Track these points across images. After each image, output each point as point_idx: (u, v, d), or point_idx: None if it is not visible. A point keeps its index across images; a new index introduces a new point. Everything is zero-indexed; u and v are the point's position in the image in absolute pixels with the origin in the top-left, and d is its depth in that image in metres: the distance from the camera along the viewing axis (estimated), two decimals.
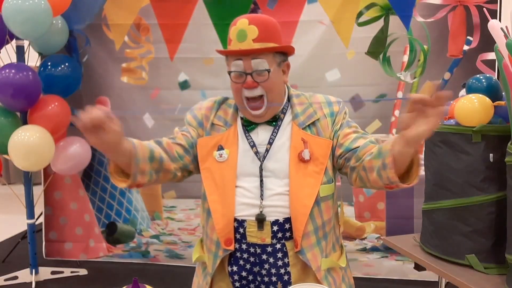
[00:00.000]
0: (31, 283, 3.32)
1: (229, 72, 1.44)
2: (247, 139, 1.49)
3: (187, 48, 3.36)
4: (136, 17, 3.38)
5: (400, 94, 3.20)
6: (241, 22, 1.42)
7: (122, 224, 3.64)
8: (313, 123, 1.48)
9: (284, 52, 1.48)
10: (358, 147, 1.42)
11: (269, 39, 1.42)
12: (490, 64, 2.92)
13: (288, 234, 1.45)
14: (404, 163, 1.27)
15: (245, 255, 1.46)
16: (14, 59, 3.24)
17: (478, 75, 1.93)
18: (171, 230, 3.59)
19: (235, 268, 1.47)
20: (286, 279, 1.46)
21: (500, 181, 1.74)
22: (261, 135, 1.49)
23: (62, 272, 3.48)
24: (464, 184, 1.80)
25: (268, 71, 1.42)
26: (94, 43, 3.46)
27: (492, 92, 1.83)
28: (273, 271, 1.45)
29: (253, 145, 1.48)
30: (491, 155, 1.75)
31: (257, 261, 1.46)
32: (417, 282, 2.93)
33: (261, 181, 1.45)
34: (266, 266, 1.46)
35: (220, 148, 1.49)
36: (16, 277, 3.36)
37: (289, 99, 1.53)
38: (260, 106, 1.43)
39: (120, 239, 3.66)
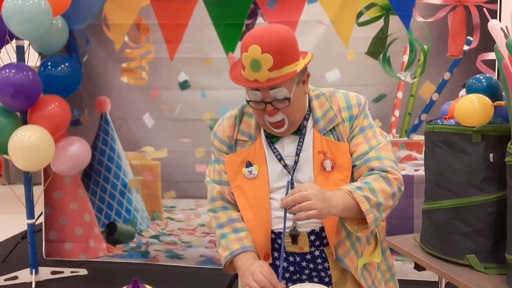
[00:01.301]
0: (31, 283, 3.32)
1: (248, 101, 1.38)
2: (274, 152, 1.45)
3: (187, 48, 3.36)
4: (136, 17, 3.38)
5: (400, 94, 3.20)
6: (254, 50, 1.28)
7: (122, 224, 3.64)
8: (333, 128, 1.43)
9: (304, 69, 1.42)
10: (356, 165, 1.41)
11: (285, 63, 1.30)
12: (490, 64, 2.91)
13: (325, 241, 1.44)
14: (343, 218, 1.36)
15: (284, 264, 1.46)
16: (14, 59, 3.24)
17: (478, 75, 1.93)
18: (171, 230, 3.59)
19: (290, 284, 1.43)
20: (327, 280, 1.46)
21: (500, 181, 1.74)
22: (287, 146, 1.45)
23: (62, 272, 3.48)
24: (464, 184, 1.80)
25: (288, 99, 1.34)
26: (94, 43, 3.46)
27: (492, 92, 1.83)
28: (314, 274, 1.46)
29: (280, 159, 1.44)
30: (491, 155, 1.75)
31: (297, 269, 1.46)
32: (417, 282, 2.93)
33: None
34: (306, 271, 1.46)
35: (249, 164, 1.45)
36: (16, 277, 3.36)
37: (309, 102, 1.46)
38: (282, 125, 1.38)
39: (120, 239, 3.66)
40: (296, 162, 1.43)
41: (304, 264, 1.45)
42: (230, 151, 1.51)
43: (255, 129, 1.48)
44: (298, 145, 1.44)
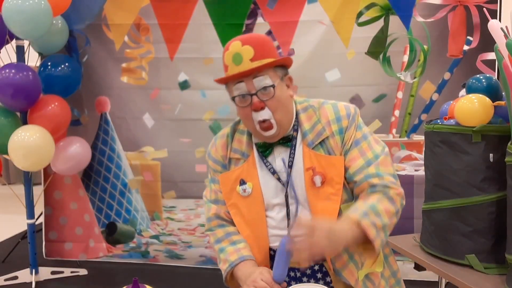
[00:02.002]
0: (31, 283, 3.32)
1: (233, 98, 1.39)
2: (267, 166, 1.45)
3: (187, 48, 3.36)
4: (136, 17, 3.38)
5: (400, 94, 3.20)
6: (234, 45, 1.38)
7: (122, 224, 3.64)
8: (323, 141, 1.42)
9: (284, 66, 1.44)
10: (356, 181, 1.40)
11: (266, 55, 1.37)
12: (490, 64, 2.91)
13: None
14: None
15: (286, 279, 1.45)
16: (14, 59, 3.24)
17: (478, 75, 1.93)
18: (170, 230, 3.59)
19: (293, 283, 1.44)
20: None
21: (500, 181, 1.73)
22: (279, 160, 1.45)
23: (62, 272, 3.48)
24: (464, 184, 1.80)
25: (273, 86, 1.37)
26: (94, 43, 3.46)
27: (492, 92, 1.83)
28: None
29: (273, 172, 1.44)
30: (491, 155, 1.75)
31: (298, 282, 1.46)
32: (417, 282, 2.93)
33: (287, 209, 1.43)
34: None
35: (242, 182, 1.46)
36: (16, 277, 3.36)
37: (297, 115, 1.46)
38: (271, 126, 1.38)
39: (120, 239, 3.66)
40: (289, 175, 1.42)
41: (304, 279, 1.46)
42: (225, 170, 1.51)
43: (247, 145, 1.48)
44: (290, 157, 1.43)
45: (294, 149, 1.43)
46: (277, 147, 1.45)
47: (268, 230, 1.45)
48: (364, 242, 1.33)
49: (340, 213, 1.39)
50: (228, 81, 1.40)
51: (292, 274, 1.46)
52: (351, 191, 1.45)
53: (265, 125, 1.38)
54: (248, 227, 1.47)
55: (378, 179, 1.38)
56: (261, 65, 1.35)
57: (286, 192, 1.43)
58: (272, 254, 1.45)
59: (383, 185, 1.38)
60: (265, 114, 1.37)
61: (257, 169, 1.46)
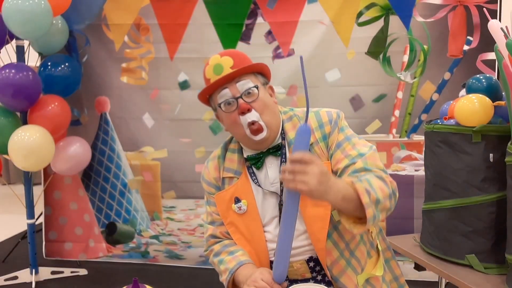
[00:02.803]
0: (31, 283, 3.32)
1: (219, 105, 1.40)
2: (255, 182, 1.45)
3: (187, 48, 3.36)
4: (136, 17, 3.38)
5: (400, 94, 3.20)
6: (213, 59, 1.42)
7: (121, 224, 3.64)
8: (309, 149, 1.36)
9: (264, 75, 1.46)
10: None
11: (245, 63, 1.40)
12: (490, 64, 2.92)
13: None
14: (339, 210, 1.29)
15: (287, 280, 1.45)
16: (14, 59, 3.24)
17: (478, 75, 1.93)
18: (170, 230, 3.59)
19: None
20: None
21: (500, 181, 1.74)
22: (270, 171, 1.45)
23: (62, 272, 3.48)
24: (464, 184, 1.80)
25: (256, 87, 1.39)
26: (94, 43, 3.46)
27: (492, 92, 1.83)
28: None
29: (259, 185, 1.44)
30: (491, 155, 1.75)
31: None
32: (417, 282, 2.93)
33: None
34: None
35: (237, 200, 1.46)
36: (16, 277, 3.36)
37: (282, 124, 1.47)
38: (261, 129, 1.38)
39: (119, 239, 3.66)
40: (281, 183, 1.41)
41: None
42: (218, 192, 1.52)
43: (239, 163, 1.49)
44: (281, 165, 1.43)
45: (285, 158, 1.43)
46: (268, 158, 1.45)
47: (267, 245, 1.45)
48: (356, 219, 1.29)
49: (331, 219, 1.39)
50: (212, 91, 1.42)
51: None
52: None
53: (255, 127, 1.37)
54: (248, 243, 1.47)
55: (366, 172, 1.34)
56: (242, 68, 1.38)
57: (281, 201, 1.42)
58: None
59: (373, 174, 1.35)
60: (252, 115, 1.37)
61: (251, 186, 1.46)
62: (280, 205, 1.42)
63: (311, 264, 1.44)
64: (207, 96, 1.46)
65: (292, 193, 1.22)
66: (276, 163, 1.44)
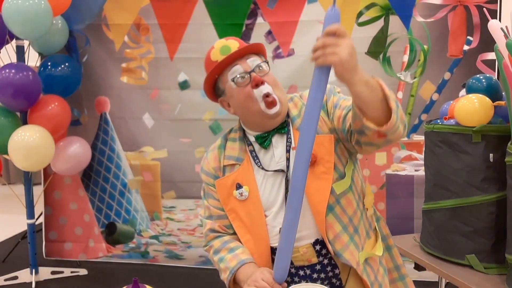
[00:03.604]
0: (31, 283, 3.32)
1: (232, 80, 1.40)
2: (258, 166, 1.45)
3: (187, 48, 3.36)
4: (136, 17, 3.38)
5: (400, 94, 3.20)
6: (218, 43, 1.45)
7: (121, 224, 3.64)
8: None
9: (265, 57, 1.49)
10: (349, 123, 1.37)
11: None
12: (490, 64, 2.92)
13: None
14: (360, 103, 1.23)
15: (296, 279, 1.45)
16: (14, 59, 3.24)
17: (478, 75, 1.93)
18: (170, 230, 3.59)
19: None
20: (338, 284, 1.45)
21: (500, 181, 1.74)
22: (277, 151, 1.45)
23: (62, 272, 3.48)
24: (464, 184, 1.80)
25: (266, 62, 1.42)
26: (94, 43, 3.46)
27: (492, 92, 1.83)
28: (326, 283, 1.45)
29: (266, 170, 1.44)
30: (491, 155, 1.75)
31: (309, 281, 1.45)
32: (417, 282, 2.92)
33: (287, 193, 1.41)
34: (318, 282, 1.45)
35: (239, 186, 1.46)
36: (16, 277, 3.36)
37: None
38: (275, 102, 1.39)
39: (119, 239, 3.66)
40: (288, 159, 1.42)
41: (315, 275, 1.44)
42: (219, 178, 1.51)
43: (240, 150, 1.49)
44: (287, 141, 1.44)
45: (290, 134, 1.45)
46: (275, 137, 1.46)
47: (268, 230, 1.44)
48: (373, 111, 1.25)
49: (333, 193, 1.39)
50: (222, 70, 1.42)
51: (301, 273, 1.44)
52: (351, 160, 1.45)
53: (270, 99, 1.38)
54: (248, 230, 1.46)
55: None
56: (251, 44, 1.42)
57: (287, 176, 1.42)
58: (273, 257, 1.44)
59: None
60: (266, 88, 1.38)
61: (253, 172, 1.46)
62: (287, 181, 1.41)
63: (318, 247, 1.43)
64: (216, 76, 1.44)
65: (319, 74, 1.23)
66: (283, 143, 1.45)
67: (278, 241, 1.37)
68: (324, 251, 1.43)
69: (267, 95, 1.38)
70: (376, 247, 1.49)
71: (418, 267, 2.04)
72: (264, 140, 1.46)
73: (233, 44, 1.42)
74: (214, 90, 1.49)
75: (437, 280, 2.25)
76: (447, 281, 1.94)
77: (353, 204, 1.44)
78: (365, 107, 1.24)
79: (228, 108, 1.49)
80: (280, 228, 1.34)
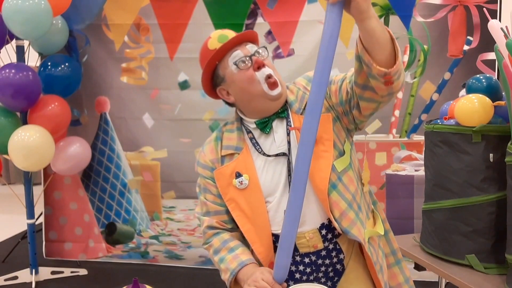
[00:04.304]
0: (31, 283, 3.32)
1: (234, 63, 1.42)
2: (259, 151, 1.46)
3: (187, 48, 3.36)
4: (136, 17, 3.38)
5: (400, 94, 3.20)
6: (215, 33, 1.48)
7: (121, 224, 3.64)
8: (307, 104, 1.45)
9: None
10: (347, 89, 1.40)
11: None
12: (490, 64, 2.92)
13: (336, 232, 1.43)
14: (372, 42, 1.26)
15: (301, 267, 1.45)
16: (14, 59, 3.24)
17: (478, 75, 1.93)
18: (170, 230, 3.59)
19: (291, 283, 1.42)
20: (341, 270, 1.46)
21: (500, 181, 1.74)
22: (278, 136, 1.46)
23: (62, 272, 3.48)
24: (464, 184, 1.80)
25: (265, 47, 1.45)
26: (94, 43, 3.46)
27: (492, 92, 1.83)
28: (330, 269, 1.45)
29: (268, 155, 1.45)
30: (491, 155, 1.75)
31: (314, 268, 1.45)
32: (417, 282, 2.93)
33: (290, 177, 1.42)
34: (322, 268, 1.45)
35: (238, 175, 1.45)
36: (16, 277, 3.36)
37: None
38: (276, 83, 1.42)
39: (119, 239, 3.66)
40: (289, 142, 1.44)
41: (320, 261, 1.45)
42: (213, 175, 1.51)
43: (239, 139, 1.49)
44: (287, 125, 1.45)
45: (290, 118, 1.46)
46: (275, 121, 1.47)
47: (270, 217, 1.44)
48: (380, 53, 1.29)
49: (335, 171, 1.40)
50: (222, 56, 1.44)
51: (307, 260, 1.44)
52: (348, 137, 1.47)
53: (272, 80, 1.41)
54: (248, 219, 1.45)
55: None
56: (250, 31, 1.47)
57: (289, 159, 1.42)
58: (274, 240, 1.44)
59: None
60: (268, 70, 1.42)
61: (252, 160, 1.46)
62: (289, 164, 1.42)
63: (324, 231, 1.43)
64: (216, 62, 1.46)
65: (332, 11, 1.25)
66: (283, 127, 1.46)
67: (277, 226, 1.39)
68: (329, 236, 1.44)
69: (269, 76, 1.41)
70: (377, 226, 1.50)
71: (418, 267, 2.04)
72: (265, 125, 1.47)
73: (230, 33, 1.45)
74: (212, 80, 1.50)
75: (437, 280, 2.25)
76: (447, 281, 1.94)
77: (354, 182, 1.45)
78: (377, 45, 1.26)
79: (227, 97, 1.49)
80: (285, 211, 1.34)
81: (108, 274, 3.52)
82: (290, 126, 1.45)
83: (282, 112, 1.46)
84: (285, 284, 1.36)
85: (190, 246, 3.55)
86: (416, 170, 3.18)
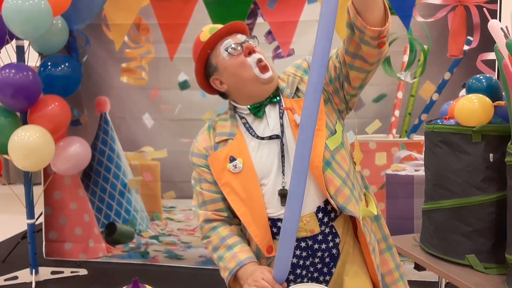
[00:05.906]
0: (31, 283, 3.32)
1: (225, 49, 1.47)
2: (252, 135, 1.48)
3: (187, 48, 3.33)
4: (136, 17, 3.38)
5: (400, 94, 3.20)
6: (206, 27, 1.51)
7: (121, 224, 3.64)
8: (298, 89, 1.50)
9: None
10: (339, 59, 1.42)
11: None
12: (490, 64, 2.91)
13: (333, 215, 1.45)
14: (366, 4, 1.29)
15: (297, 252, 1.45)
16: (14, 59, 3.24)
17: (478, 75, 1.93)
18: (170, 230, 3.59)
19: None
20: (336, 255, 1.48)
21: (500, 181, 1.74)
22: (271, 120, 1.49)
23: (62, 272, 3.48)
24: (464, 184, 1.80)
25: (255, 36, 1.52)
26: (94, 43, 3.46)
27: (492, 92, 1.83)
28: (326, 254, 1.46)
29: (262, 138, 1.47)
30: (491, 155, 1.75)
31: (310, 253, 1.46)
32: (417, 282, 2.93)
33: (283, 164, 1.44)
34: (319, 254, 1.46)
35: (233, 159, 1.46)
36: (16, 277, 3.36)
37: None
38: (267, 67, 1.46)
39: (119, 239, 3.66)
40: (282, 125, 1.46)
41: (316, 246, 1.45)
42: (208, 163, 1.52)
43: (232, 126, 1.52)
44: (279, 109, 1.49)
45: (282, 103, 1.50)
46: (268, 106, 1.51)
47: (264, 200, 1.45)
48: (371, 13, 1.30)
49: (328, 149, 1.42)
50: (214, 45, 1.49)
51: (303, 244, 1.45)
52: (339, 116, 1.51)
53: (263, 64, 1.46)
54: (243, 203, 1.46)
55: None
56: (239, 22, 1.51)
57: (282, 141, 1.45)
58: (271, 225, 1.44)
59: None
60: (259, 54, 1.47)
61: (246, 144, 1.48)
62: (282, 145, 1.45)
63: (320, 215, 1.44)
64: (209, 51, 1.50)
65: None
66: (275, 111, 1.50)
67: (272, 209, 1.43)
68: (326, 219, 1.45)
69: (260, 61, 1.46)
70: (370, 206, 1.52)
71: (418, 267, 2.04)
72: (258, 110, 1.50)
73: (220, 26, 1.50)
74: (205, 71, 1.54)
75: (437, 280, 2.25)
76: (447, 281, 1.94)
77: (347, 161, 1.47)
78: (371, 3, 1.29)
79: (220, 86, 1.53)
80: (279, 190, 1.41)
81: (108, 274, 3.52)
82: (283, 106, 1.49)
83: (274, 97, 1.50)
84: (285, 284, 1.37)
85: (190, 246, 3.55)
86: (416, 170, 3.18)
